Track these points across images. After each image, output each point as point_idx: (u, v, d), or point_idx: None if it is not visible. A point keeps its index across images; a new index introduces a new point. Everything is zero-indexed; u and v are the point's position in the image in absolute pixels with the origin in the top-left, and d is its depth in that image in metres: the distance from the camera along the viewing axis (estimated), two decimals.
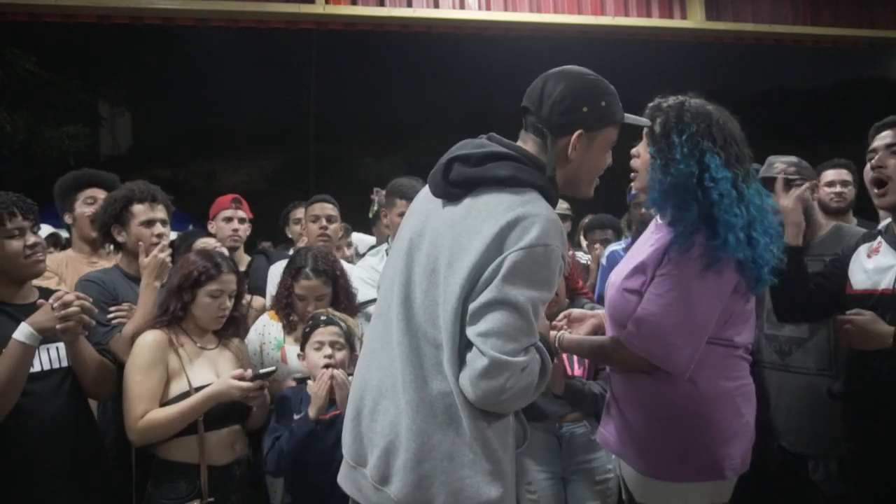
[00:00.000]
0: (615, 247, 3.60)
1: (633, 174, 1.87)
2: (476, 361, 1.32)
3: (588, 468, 2.37)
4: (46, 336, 1.87)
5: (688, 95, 1.79)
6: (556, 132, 1.48)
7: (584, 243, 4.22)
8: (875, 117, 2.11)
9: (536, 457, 2.37)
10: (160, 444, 2.06)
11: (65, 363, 2.01)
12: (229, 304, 2.22)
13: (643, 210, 3.27)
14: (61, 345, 1.99)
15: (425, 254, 1.44)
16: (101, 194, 2.70)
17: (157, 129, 20.91)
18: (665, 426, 1.72)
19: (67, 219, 2.81)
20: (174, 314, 2.15)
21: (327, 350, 2.21)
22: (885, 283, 1.92)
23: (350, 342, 2.28)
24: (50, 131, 9.33)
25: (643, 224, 2.72)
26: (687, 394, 1.69)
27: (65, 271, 2.64)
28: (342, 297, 2.56)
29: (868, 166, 2.03)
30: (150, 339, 2.10)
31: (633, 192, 3.38)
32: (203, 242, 2.91)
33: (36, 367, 1.91)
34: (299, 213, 3.99)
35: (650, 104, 1.82)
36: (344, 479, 1.56)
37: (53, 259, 2.62)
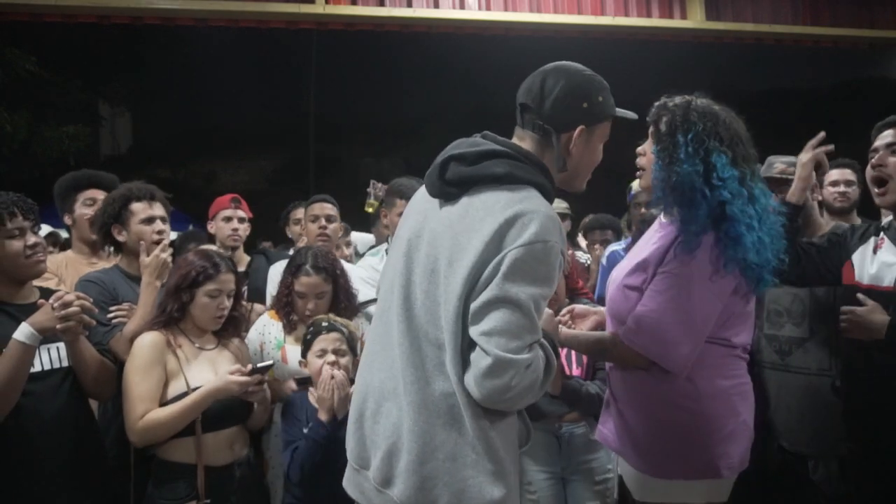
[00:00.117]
0: (615, 247, 3.60)
1: (638, 172, 1.88)
2: (480, 361, 1.32)
3: (587, 468, 2.37)
4: (47, 336, 1.87)
5: (694, 95, 1.79)
6: (559, 128, 1.48)
7: (583, 243, 4.22)
8: (875, 117, 2.11)
9: (536, 457, 2.37)
10: (160, 445, 2.05)
11: (65, 363, 2.01)
12: (228, 303, 2.22)
13: (643, 210, 3.27)
14: (62, 345, 1.99)
15: (424, 254, 1.44)
16: (100, 195, 2.70)
17: (157, 129, 20.89)
18: (662, 424, 1.73)
19: (67, 220, 2.81)
20: (171, 315, 2.15)
21: (330, 357, 2.21)
22: (888, 280, 1.93)
23: (352, 347, 2.28)
24: (50, 131, 9.33)
25: (645, 223, 2.72)
26: (684, 392, 1.70)
27: (64, 272, 2.64)
28: (342, 296, 2.55)
29: (869, 165, 2.04)
30: (148, 340, 2.10)
31: (633, 191, 3.39)
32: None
33: (36, 367, 1.91)
34: (299, 213, 3.99)
35: (656, 103, 1.82)
36: (348, 482, 1.56)
37: (53, 260, 2.62)
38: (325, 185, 12.12)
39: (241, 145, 20.05)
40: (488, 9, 5.30)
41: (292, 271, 2.55)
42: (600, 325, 1.99)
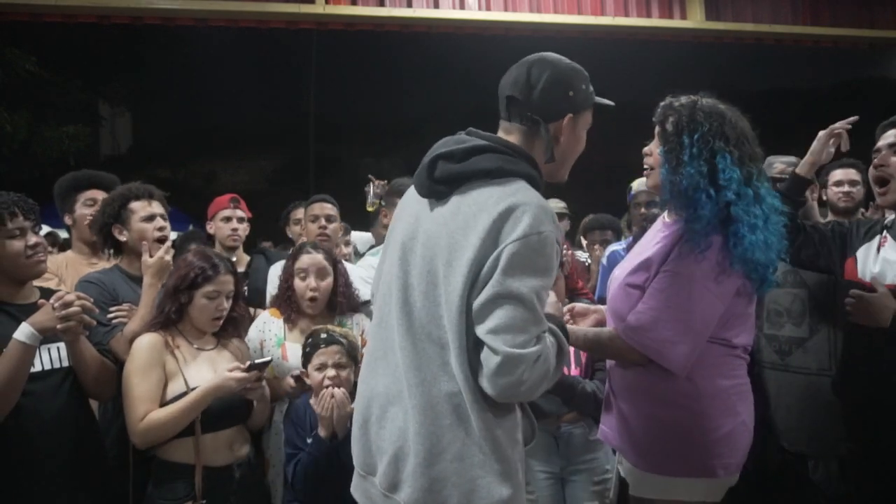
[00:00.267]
0: (615, 247, 3.59)
1: (646, 170, 1.88)
2: (490, 360, 1.32)
3: (586, 468, 2.37)
4: (47, 336, 1.87)
5: (700, 94, 1.79)
6: (547, 118, 1.49)
7: (583, 243, 4.21)
8: (875, 117, 2.12)
9: (535, 457, 2.37)
10: (160, 445, 2.05)
11: (65, 363, 2.01)
12: (226, 305, 2.22)
13: (643, 210, 3.27)
14: (62, 345, 1.99)
15: (420, 256, 1.44)
16: (101, 195, 2.70)
17: (157, 129, 20.90)
18: (662, 422, 1.73)
19: (67, 220, 2.81)
20: (169, 316, 2.14)
21: (331, 372, 2.20)
22: (890, 278, 1.94)
23: (353, 357, 2.26)
24: (50, 131, 9.33)
25: (648, 221, 2.72)
26: (684, 391, 1.70)
27: (65, 273, 2.64)
28: (342, 288, 2.58)
29: (872, 165, 2.05)
30: (146, 341, 2.10)
31: (633, 191, 3.39)
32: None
33: (37, 367, 1.91)
34: (299, 213, 4.00)
35: (662, 103, 1.82)
36: (355, 489, 1.55)
37: (53, 260, 2.62)
38: (325, 185, 12.12)
39: (241, 145, 20.06)
40: (488, 9, 5.31)
41: (293, 257, 2.58)
42: (600, 324, 1.99)
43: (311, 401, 2.19)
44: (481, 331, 1.33)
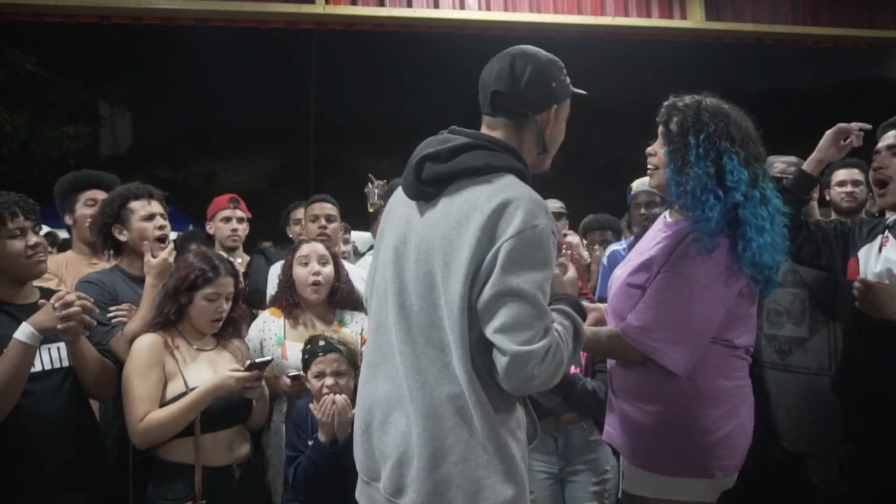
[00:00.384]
0: (616, 247, 3.59)
1: (650, 170, 1.87)
2: (500, 359, 1.33)
3: (586, 469, 2.38)
4: (47, 336, 1.87)
5: (703, 94, 1.78)
6: (536, 110, 1.49)
7: (583, 243, 4.21)
8: (875, 117, 2.12)
9: (534, 457, 2.37)
10: (160, 445, 2.05)
11: (66, 363, 2.01)
12: (226, 307, 2.22)
13: (643, 210, 3.26)
14: (62, 345, 1.99)
15: (413, 259, 1.43)
16: (101, 195, 2.70)
17: (157, 129, 20.90)
18: (661, 421, 1.72)
19: (68, 220, 2.81)
20: (169, 317, 2.14)
21: (329, 381, 2.20)
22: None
23: (353, 363, 2.26)
24: (50, 131, 9.33)
25: (649, 220, 2.72)
26: (685, 390, 1.70)
27: (65, 273, 2.64)
28: (342, 277, 2.61)
29: (871, 167, 2.05)
30: (145, 342, 2.10)
31: (633, 192, 3.39)
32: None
33: (37, 367, 1.91)
34: (299, 213, 4.00)
35: (665, 103, 1.81)
36: (360, 495, 1.55)
37: (53, 261, 2.62)
38: (325, 185, 12.13)
39: (241, 145, 20.07)
40: (488, 9, 5.31)
41: (292, 250, 2.63)
42: (600, 322, 1.99)
43: (312, 406, 2.19)
44: (489, 331, 1.34)
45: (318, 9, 5.02)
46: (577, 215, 4.75)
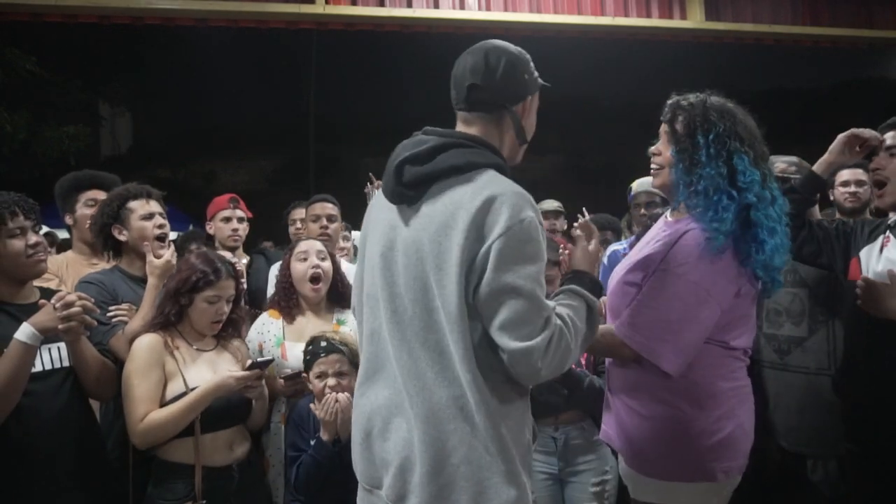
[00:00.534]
0: (616, 246, 3.60)
1: (654, 170, 1.84)
2: (504, 357, 1.35)
3: (585, 469, 2.38)
4: (48, 336, 1.87)
5: (707, 93, 1.76)
6: (513, 101, 1.50)
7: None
8: (875, 117, 2.12)
9: (534, 457, 2.37)
10: (160, 445, 2.06)
11: (66, 363, 2.01)
12: (226, 309, 2.22)
13: (643, 210, 3.27)
14: (63, 345, 1.99)
15: (402, 265, 1.43)
16: (102, 196, 2.70)
17: (157, 129, 20.89)
18: (659, 423, 1.71)
19: (68, 220, 2.81)
20: (169, 317, 2.15)
21: (331, 381, 2.21)
22: None
23: (355, 364, 2.25)
24: (50, 131, 9.32)
25: (651, 220, 2.71)
26: (681, 391, 1.68)
27: (65, 273, 2.64)
28: (341, 276, 2.62)
29: (870, 168, 2.06)
30: (146, 342, 2.10)
31: (633, 192, 3.39)
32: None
33: (37, 367, 1.91)
34: (298, 213, 4.00)
35: (669, 101, 1.79)
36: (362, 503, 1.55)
37: (53, 261, 2.63)
38: (325, 185, 12.13)
39: (241, 145, 20.05)
40: (488, 9, 5.31)
41: (290, 248, 2.64)
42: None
43: (313, 405, 2.19)
44: (491, 331, 1.35)
45: (318, 9, 5.02)
46: (577, 215, 4.73)
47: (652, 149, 1.84)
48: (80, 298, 1.89)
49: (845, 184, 3.10)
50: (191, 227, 5.91)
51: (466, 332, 1.35)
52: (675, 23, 5.68)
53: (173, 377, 2.10)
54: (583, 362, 2.37)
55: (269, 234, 6.62)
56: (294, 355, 2.43)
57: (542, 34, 5.76)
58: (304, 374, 2.31)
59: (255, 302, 3.05)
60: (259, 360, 2.15)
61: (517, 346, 1.31)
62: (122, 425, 2.12)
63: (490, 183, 1.38)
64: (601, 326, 1.77)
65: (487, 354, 1.37)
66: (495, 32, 5.52)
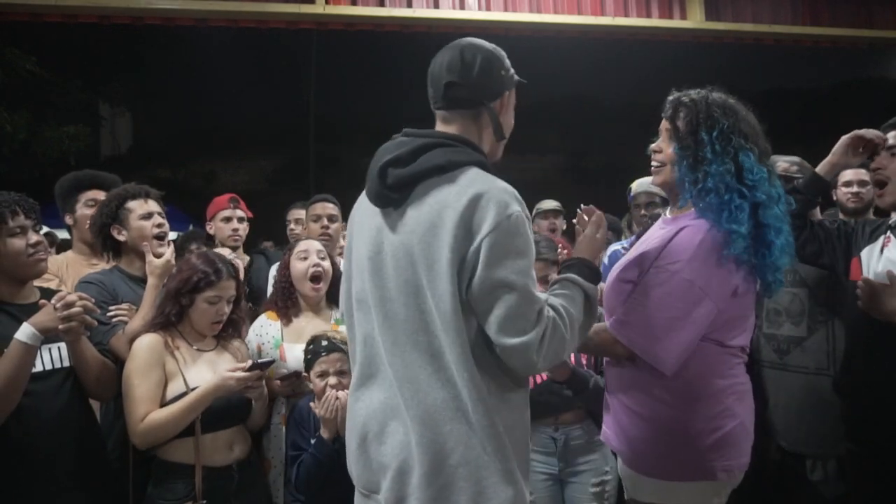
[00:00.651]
0: (616, 246, 3.60)
1: (655, 168, 1.81)
2: (500, 352, 1.36)
3: (585, 470, 2.37)
4: (48, 336, 1.87)
5: (708, 89, 1.73)
6: (490, 97, 1.51)
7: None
8: (875, 117, 2.12)
9: (533, 458, 2.37)
10: (160, 445, 2.06)
11: (66, 363, 2.02)
12: (227, 310, 2.22)
13: (643, 211, 3.26)
14: (63, 345, 1.99)
15: (392, 268, 1.43)
16: (102, 196, 2.70)
17: (157, 129, 20.90)
18: (656, 423, 1.69)
19: (68, 220, 2.81)
20: (169, 317, 2.15)
21: (332, 380, 2.21)
22: None
23: None
24: (50, 131, 9.32)
25: (652, 219, 2.71)
26: (677, 390, 1.66)
27: (65, 273, 2.64)
28: (338, 277, 2.60)
29: (870, 167, 2.06)
30: (146, 342, 2.10)
31: (633, 192, 3.39)
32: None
33: (38, 367, 1.91)
34: (297, 213, 4.01)
35: (670, 98, 1.77)
36: None
37: (53, 261, 2.63)
38: (325, 185, 12.13)
39: (241, 145, 20.06)
40: (488, 9, 5.31)
41: (289, 248, 2.64)
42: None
43: (313, 404, 2.20)
44: (486, 327, 1.36)
45: (318, 9, 5.02)
46: (577, 211, 4.72)
47: (652, 146, 1.81)
48: (81, 298, 1.89)
49: (848, 184, 3.10)
50: (191, 227, 5.91)
51: (462, 330, 1.35)
52: (675, 23, 5.68)
53: (174, 377, 2.10)
54: (584, 362, 2.37)
55: (269, 234, 6.61)
56: (293, 356, 2.42)
57: (542, 34, 5.76)
58: (305, 374, 2.31)
59: (255, 301, 3.05)
60: (260, 360, 2.15)
61: (512, 342, 1.32)
62: (122, 425, 2.12)
63: (474, 181, 1.39)
64: (596, 325, 1.75)
65: (484, 352, 1.38)
66: (495, 32, 5.53)
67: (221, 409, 2.09)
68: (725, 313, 1.65)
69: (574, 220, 1.73)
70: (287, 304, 2.56)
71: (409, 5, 5.17)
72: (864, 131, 2.02)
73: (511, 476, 1.38)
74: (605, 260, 3.55)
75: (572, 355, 2.30)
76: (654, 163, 1.81)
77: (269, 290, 2.96)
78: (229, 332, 2.30)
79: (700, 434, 1.65)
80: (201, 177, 18.13)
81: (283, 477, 2.36)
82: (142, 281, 2.38)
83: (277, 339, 2.52)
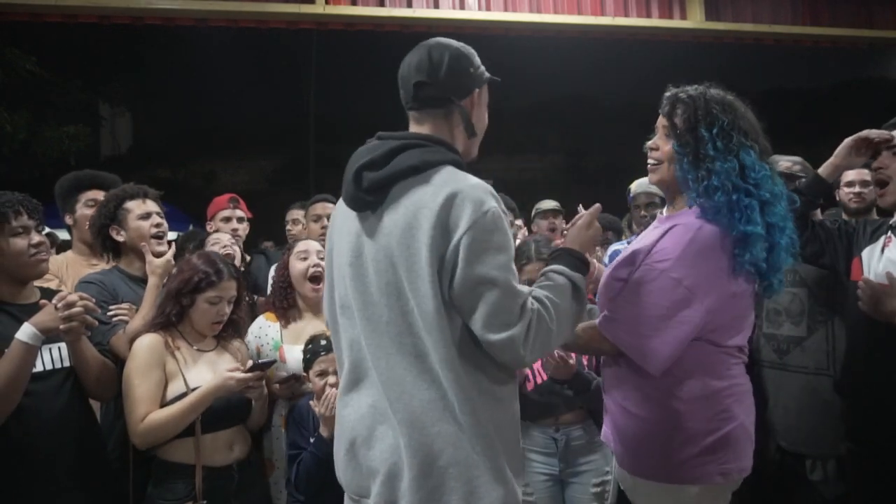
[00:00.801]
0: (617, 246, 3.60)
1: (652, 165, 1.77)
2: (487, 349, 1.36)
3: (585, 470, 2.37)
4: (49, 336, 1.87)
5: (706, 85, 1.70)
6: (460, 95, 1.51)
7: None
8: (875, 117, 2.12)
9: (534, 458, 2.37)
10: (160, 445, 2.06)
11: (66, 363, 2.02)
12: (227, 310, 2.22)
13: (643, 212, 3.26)
14: (63, 345, 1.99)
15: (373, 271, 1.43)
16: (101, 196, 2.70)
17: (157, 129, 20.88)
18: (651, 423, 1.65)
19: (68, 220, 2.82)
20: (170, 317, 2.15)
21: (332, 378, 2.21)
22: None
23: None
24: (50, 131, 9.32)
25: (652, 219, 2.70)
26: (672, 390, 1.62)
27: (65, 273, 2.64)
28: None
29: (871, 167, 2.06)
30: (146, 342, 2.10)
31: (632, 193, 3.39)
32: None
33: (38, 367, 1.92)
34: (295, 213, 4.01)
35: (667, 94, 1.73)
36: None
37: (53, 261, 2.63)
38: (325, 185, 12.12)
39: (241, 145, 20.05)
40: (488, 9, 5.31)
41: (288, 248, 2.64)
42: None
43: (312, 403, 2.20)
44: (471, 324, 1.36)
45: (318, 9, 5.02)
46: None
47: (649, 143, 1.77)
48: (82, 298, 1.89)
49: (850, 184, 3.09)
50: (191, 227, 5.90)
51: (446, 330, 1.35)
52: (675, 23, 5.68)
53: (174, 377, 2.10)
54: (585, 362, 2.37)
55: (269, 234, 6.61)
56: (293, 357, 2.42)
57: (542, 34, 5.76)
58: (304, 374, 2.31)
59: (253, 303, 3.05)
60: (260, 361, 2.15)
61: (498, 337, 1.33)
62: (122, 426, 2.13)
63: (449, 180, 1.39)
64: (585, 323, 1.73)
65: (470, 351, 1.38)
66: (495, 32, 5.53)
67: (221, 410, 2.09)
68: (720, 314, 1.61)
69: (580, 207, 1.71)
70: (286, 304, 2.56)
71: (409, 5, 5.17)
72: (868, 132, 2.01)
73: (501, 474, 1.38)
74: (606, 259, 3.55)
75: (573, 356, 2.30)
76: (650, 160, 1.77)
77: (269, 290, 2.96)
78: (229, 332, 2.30)
79: (696, 436, 1.61)
80: (201, 177, 18.12)
81: (286, 479, 2.35)
82: (142, 281, 2.38)
83: (277, 340, 2.51)
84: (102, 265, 2.60)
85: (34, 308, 1.90)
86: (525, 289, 1.39)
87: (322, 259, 2.56)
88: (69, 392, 2.00)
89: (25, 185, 2.45)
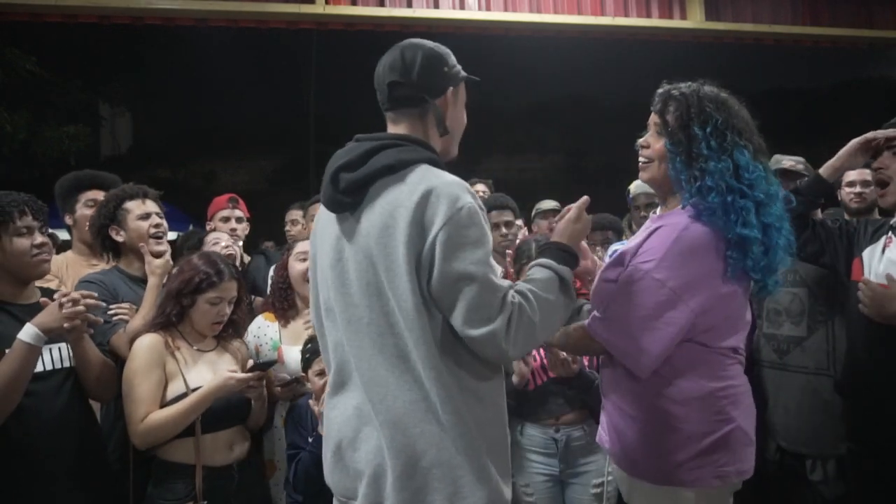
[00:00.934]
0: (617, 246, 3.59)
1: (643, 163, 1.73)
2: (469, 344, 1.36)
3: (586, 471, 2.38)
4: (50, 336, 1.87)
5: (699, 82, 1.67)
6: (433, 94, 1.52)
7: (584, 244, 4.19)
8: (875, 117, 2.12)
9: (534, 459, 2.37)
10: (160, 445, 2.05)
11: (67, 363, 2.02)
12: (228, 311, 2.22)
13: (643, 213, 3.26)
14: (64, 345, 1.99)
15: (354, 273, 1.44)
16: (102, 196, 2.70)
17: (157, 129, 20.87)
18: (646, 424, 1.63)
19: (68, 220, 2.82)
20: (170, 318, 2.15)
21: None
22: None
23: None
24: (50, 131, 9.32)
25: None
26: (666, 392, 1.59)
27: (65, 273, 2.64)
28: None
29: (872, 167, 2.06)
30: (147, 342, 2.10)
31: (632, 193, 3.39)
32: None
33: (38, 368, 1.91)
34: (294, 213, 4.00)
35: (659, 91, 1.70)
36: None
37: (53, 262, 2.61)
38: None
39: (241, 145, 20.04)
40: (488, 9, 5.31)
41: (288, 249, 2.63)
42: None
43: (311, 402, 2.19)
44: (452, 321, 1.36)
45: (318, 9, 5.02)
46: None
47: (640, 141, 1.73)
48: (84, 297, 1.89)
49: (851, 184, 3.09)
50: (191, 227, 5.91)
51: (427, 327, 1.35)
52: (675, 23, 5.68)
53: (174, 378, 2.09)
54: (586, 362, 2.37)
55: (269, 234, 6.60)
56: (291, 358, 2.42)
57: (542, 34, 5.76)
58: (303, 374, 2.31)
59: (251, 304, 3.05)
60: (260, 361, 2.15)
61: (478, 332, 1.32)
62: (122, 426, 2.12)
63: (424, 178, 1.40)
64: (576, 324, 1.73)
65: (452, 349, 1.38)
66: (495, 32, 5.53)
67: (221, 410, 2.09)
68: (711, 315, 1.57)
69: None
70: (285, 305, 2.56)
71: (409, 5, 5.17)
72: (873, 134, 2.00)
73: (485, 473, 1.38)
74: (606, 259, 3.55)
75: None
76: (641, 158, 1.74)
77: (268, 290, 2.96)
78: (230, 332, 2.30)
79: (691, 438, 1.57)
80: (201, 177, 18.11)
81: (282, 481, 2.35)
82: (142, 281, 2.38)
83: (276, 340, 2.51)
84: (102, 265, 2.59)
85: (35, 308, 1.90)
86: (505, 282, 1.39)
87: None
88: (69, 392, 2.00)
89: (25, 185, 2.45)
